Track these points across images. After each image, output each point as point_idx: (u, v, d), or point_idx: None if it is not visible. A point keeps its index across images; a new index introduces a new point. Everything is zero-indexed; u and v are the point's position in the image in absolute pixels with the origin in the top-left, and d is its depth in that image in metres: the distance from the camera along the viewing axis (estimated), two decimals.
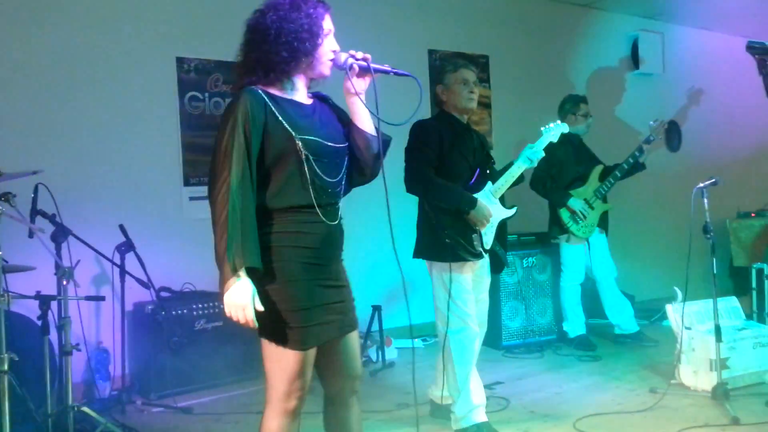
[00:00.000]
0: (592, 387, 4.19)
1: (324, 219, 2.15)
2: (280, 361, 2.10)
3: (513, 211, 3.55)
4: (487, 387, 4.04)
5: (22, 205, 3.32)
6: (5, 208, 2.96)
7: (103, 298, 3.75)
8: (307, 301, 2.11)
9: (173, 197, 4.65)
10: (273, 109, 2.10)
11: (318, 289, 2.15)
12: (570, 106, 5.30)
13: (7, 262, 3.10)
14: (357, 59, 2.22)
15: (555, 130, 3.58)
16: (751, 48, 1.96)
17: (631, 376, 4.38)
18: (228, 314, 2.02)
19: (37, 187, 3.54)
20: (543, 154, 3.51)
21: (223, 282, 1.98)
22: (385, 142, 2.31)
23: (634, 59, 7.27)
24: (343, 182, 2.26)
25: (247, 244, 1.99)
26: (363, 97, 2.23)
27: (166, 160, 4.64)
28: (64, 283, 3.33)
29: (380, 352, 4.85)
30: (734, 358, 3.95)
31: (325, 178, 2.15)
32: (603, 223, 5.20)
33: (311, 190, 2.10)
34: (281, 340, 2.08)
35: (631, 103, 7.14)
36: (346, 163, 2.27)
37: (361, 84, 2.23)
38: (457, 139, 3.45)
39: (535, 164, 3.53)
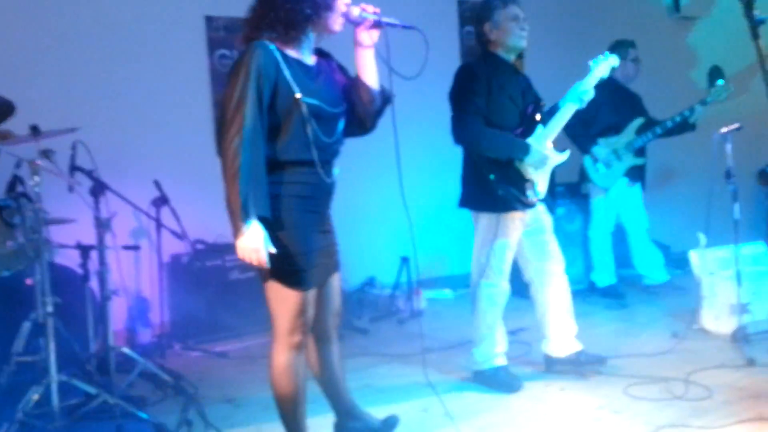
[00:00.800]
0: (615, 333, 4.26)
1: (323, 175, 2.28)
2: (285, 301, 2.26)
3: (566, 154, 3.42)
4: (510, 333, 4.13)
5: (62, 161, 3.52)
6: (46, 164, 3.13)
7: (138, 248, 3.97)
8: (307, 245, 2.27)
9: (205, 152, 4.80)
10: (283, 67, 2.20)
11: (316, 234, 2.32)
12: (619, 50, 5.09)
13: (48, 214, 3.31)
14: (368, 13, 2.29)
15: (603, 64, 3.40)
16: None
17: (655, 323, 4.43)
18: (241, 257, 2.17)
19: (76, 144, 3.73)
20: (592, 93, 3.34)
21: (236, 230, 2.13)
22: (389, 97, 2.41)
23: (675, 2, 7.08)
24: (339, 144, 2.39)
25: (258, 194, 2.13)
26: (371, 51, 2.33)
27: (197, 117, 4.80)
28: (103, 233, 3.55)
29: (409, 302, 4.99)
30: (756, 303, 3.96)
31: (323, 138, 2.26)
32: (635, 175, 5.08)
33: (313, 148, 2.22)
34: (286, 282, 2.25)
35: (672, 48, 6.97)
36: (342, 124, 2.38)
37: (371, 37, 2.30)
38: (505, 81, 3.31)
39: (585, 104, 3.35)
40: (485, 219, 3.33)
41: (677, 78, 6.29)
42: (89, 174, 3.74)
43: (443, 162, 5.79)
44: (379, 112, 2.40)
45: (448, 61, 5.87)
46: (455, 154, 5.76)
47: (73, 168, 3.71)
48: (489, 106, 3.25)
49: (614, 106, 4.97)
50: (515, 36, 3.30)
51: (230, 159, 2.11)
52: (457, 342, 4.20)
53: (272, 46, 2.20)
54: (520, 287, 3.67)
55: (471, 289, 3.48)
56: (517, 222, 3.33)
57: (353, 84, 2.39)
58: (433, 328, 4.64)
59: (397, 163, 2.33)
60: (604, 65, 3.40)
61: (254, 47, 2.18)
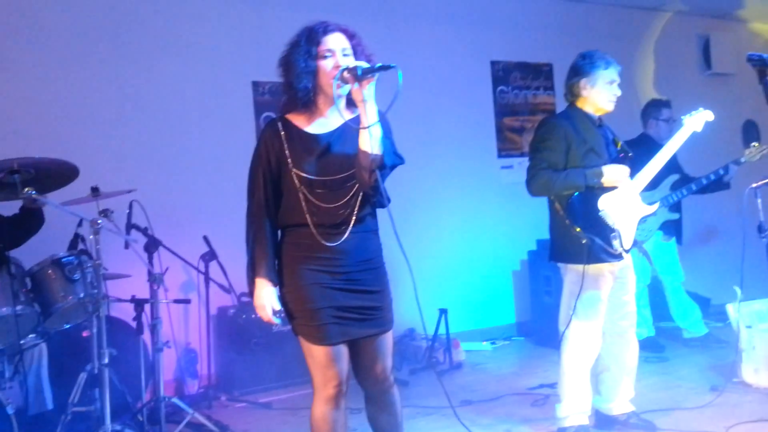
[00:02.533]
0: (654, 385, 4.26)
1: (320, 238, 2.34)
2: (312, 355, 2.39)
3: (654, 207, 3.43)
4: (548, 386, 4.21)
5: (119, 219, 3.75)
6: (104, 222, 3.31)
7: (188, 301, 4.16)
8: (316, 302, 2.36)
9: None
10: (283, 140, 2.39)
11: (329, 291, 2.37)
12: (652, 110, 5.25)
13: (106, 270, 3.51)
14: (349, 69, 2.25)
15: (697, 119, 3.44)
16: (750, 60, 2.10)
17: (695, 376, 4.42)
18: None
19: (132, 204, 3.96)
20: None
21: (249, 291, 2.43)
22: (379, 165, 2.30)
23: (706, 60, 7.21)
24: (353, 205, 2.38)
25: (263, 259, 2.39)
26: (367, 105, 2.27)
27: (244, 177, 4.99)
28: (155, 288, 3.74)
29: (447, 354, 5.06)
30: None
31: (321, 204, 2.36)
32: (670, 229, 5.12)
33: (306, 212, 2.36)
34: (306, 336, 2.39)
35: (704, 105, 7.04)
36: (353, 189, 2.39)
37: (361, 92, 2.25)
38: (589, 135, 3.30)
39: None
40: (573, 271, 3.30)
41: (710, 134, 6.36)
42: (144, 231, 3.97)
43: (481, 215, 5.95)
44: (370, 169, 2.30)
45: (483, 118, 6.11)
46: (492, 208, 5.95)
47: (130, 226, 3.94)
48: (570, 160, 3.26)
49: (639, 158, 5.03)
50: (607, 99, 3.31)
51: (247, 227, 2.45)
52: (495, 395, 4.26)
53: (278, 123, 2.42)
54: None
55: (561, 343, 3.40)
56: (606, 274, 3.29)
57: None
58: (471, 381, 4.70)
59: (392, 228, 2.34)
60: (698, 120, 3.47)
61: (266, 126, 2.47)
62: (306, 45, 2.35)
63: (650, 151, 4.94)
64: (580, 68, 3.34)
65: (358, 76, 2.24)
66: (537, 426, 3.66)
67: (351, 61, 2.33)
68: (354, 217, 2.39)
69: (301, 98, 2.36)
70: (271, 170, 2.40)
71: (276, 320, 2.40)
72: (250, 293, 2.43)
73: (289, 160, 2.38)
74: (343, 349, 2.42)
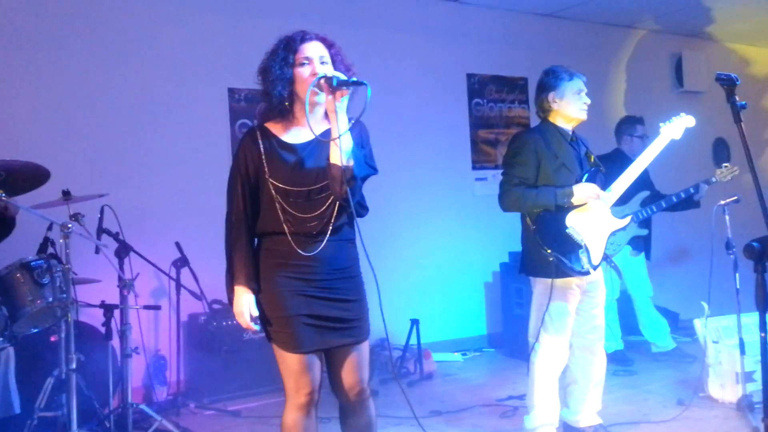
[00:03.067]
0: (622, 399, 4.31)
1: (296, 247, 2.36)
2: (284, 362, 2.40)
3: (625, 220, 3.47)
4: (517, 397, 4.24)
5: (90, 224, 3.72)
6: (75, 227, 3.28)
7: (159, 308, 4.13)
8: (289, 309, 2.37)
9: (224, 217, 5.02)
10: (261, 149, 2.40)
11: (304, 299, 2.37)
12: (626, 126, 5.31)
13: (76, 274, 3.48)
14: (326, 78, 2.26)
15: (676, 125, 3.46)
16: (719, 80, 2.17)
17: (662, 390, 4.48)
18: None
19: (103, 209, 3.93)
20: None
21: (228, 298, 2.44)
22: (345, 171, 2.29)
23: (678, 77, 7.35)
24: (329, 215, 2.39)
25: (242, 267, 2.39)
26: (339, 117, 2.27)
27: (218, 183, 4.96)
28: (126, 293, 3.71)
29: (418, 364, 5.07)
30: (761, 371, 4.00)
31: (297, 214, 2.38)
32: (639, 245, 5.18)
33: (282, 221, 2.38)
34: (279, 343, 2.40)
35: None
36: (329, 199, 2.39)
37: (334, 102, 2.27)
38: (561, 150, 3.35)
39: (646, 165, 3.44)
40: (541, 284, 3.35)
41: (681, 151, 6.47)
42: (115, 236, 3.94)
43: (455, 226, 5.99)
44: (340, 180, 2.30)
45: (458, 130, 6.16)
46: (466, 219, 5.99)
47: (101, 231, 3.90)
48: (541, 175, 3.30)
49: (610, 174, 5.07)
50: (577, 108, 3.36)
51: (226, 234, 2.46)
52: (464, 406, 4.28)
53: (257, 131, 2.43)
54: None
55: (530, 356, 3.44)
56: (573, 287, 3.34)
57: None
58: (441, 392, 4.72)
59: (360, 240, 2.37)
60: (677, 127, 3.48)
61: (244, 135, 2.49)
62: (283, 52, 2.37)
63: (623, 167, 4.98)
64: (546, 83, 3.40)
65: (333, 86, 2.26)
66: None
67: (329, 70, 2.34)
68: (330, 227, 2.40)
69: (277, 105, 2.37)
70: (249, 178, 2.41)
71: (255, 326, 2.40)
72: (229, 300, 2.44)
73: (266, 169, 2.39)
74: (316, 358, 2.42)
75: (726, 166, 4.65)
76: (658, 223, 5.55)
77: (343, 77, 2.28)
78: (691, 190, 4.73)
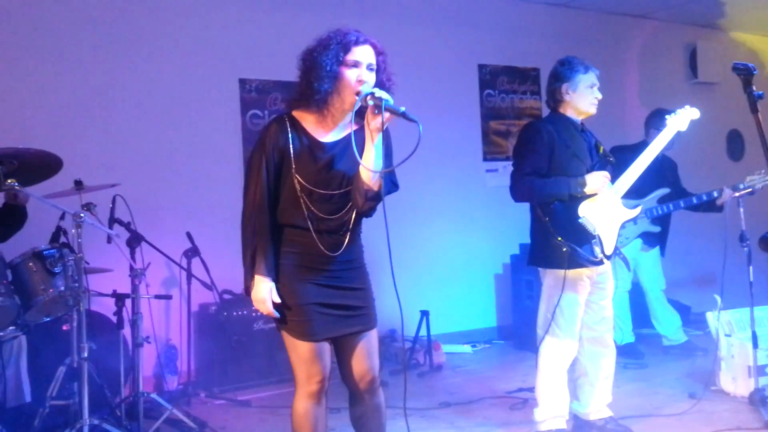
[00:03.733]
0: (633, 392, 4.29)
1: (320, 245, 2.37)
2: (295, 350, 2.41)
3: (637, 210, 3.45)
4: (526, 390, 4.23)
5: (102, 213, 3.73)
6: (87, 216, 3.28)
7: (170, 297, 4.14)
8: (305, 298, 2.39)
9: (236, 207, 5.01)
10: (290, 140, 2.37)
11: (316, 288, 2.40)
12: (654, 120, 5.12)
13: (88, 264, 3.49)
14: (373, 95, 2.26)
15: (681, 117, 3.43)
16: (736, 69, 2.14)
17: (673, 383, 4.45)
18: (256, 308, 2.40)
19: (115, 198, 3.94)
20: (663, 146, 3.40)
21: (247, 285, 2.42)
22: (380, 193, 2.36)
23: (693, 68, 7.28)
24: (350, 219, 2.43)
25: (262, 255, 2.36)
26: (375, 135, 2.30)
27: (229, 173, 5.02)
28: (137, 283, 3.73)
29: (428, 356, 5.07)
30: None
31: (319, 213, 2.38)
32: (651, 240, 5.10)
33: (307, 218, 2.37)
34: (291, 331, 2.41)
35: None
36: (350, 204, 2.41)
37: (376, 122, 2.27)
38: (570, 139, 3.33)
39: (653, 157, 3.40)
40: (552, 276, 3.32)
41: (695, 143, 6.42)
42: (127, 226, 3.95)
43: (465, 218, 5.97)
44: (370, 200, 2.37)
45: (469, 121, 6.13)
46: (477, 211, 5.97)
47: (112, 220, 3.92)
48: (554, 165, 3.28)
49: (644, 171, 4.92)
50: (589, 102, 3.34)
51: (243, 224, 2.41)
52: (474, 398, 4.28)
53: (286, 120, 2.40)
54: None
55: (538, 347, 3.42)
56: (584, 278, 3.32)
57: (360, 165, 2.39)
58: (451, 383, 4.72)
59: (385, 228, 2.34)
60: (682, 118, 3.45)
61: (272, 121, 2.44)
62: (336, 49, 2.34)
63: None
64: (561, 74, 3.37)
65: (381, 108, 2.24)
66: (514, 429, 3.68)
67: (372, 80, 2.34)
68: (351, 228, 2.44)
69: (318, 100, 2.35)
70: (273, 166, 2.37)
71: (276, 314, 2.38)
72: (247, 287, 2.41)
73: (293, 163, 2.36)
74: (327, 346, 2.44)
75: (760, 173, 4.31)
76: (671, 216, 5.51)
77: (390, 100, 2.25)
78: (714, 194, 4.56)
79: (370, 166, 2.30)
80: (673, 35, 7.23)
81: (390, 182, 2.44)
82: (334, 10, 5.22)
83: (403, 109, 2.23)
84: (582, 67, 3.35)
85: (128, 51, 4.76)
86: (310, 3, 5.28)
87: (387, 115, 2.25)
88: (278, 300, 2.37)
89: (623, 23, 6.90)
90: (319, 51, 2.35)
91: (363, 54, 2.37)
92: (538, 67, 6.36)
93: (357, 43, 2.37)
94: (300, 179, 2.36)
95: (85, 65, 4.64)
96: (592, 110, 3.38)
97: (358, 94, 2.30)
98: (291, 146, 2.37)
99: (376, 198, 2.35)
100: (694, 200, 4.63)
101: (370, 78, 2.36)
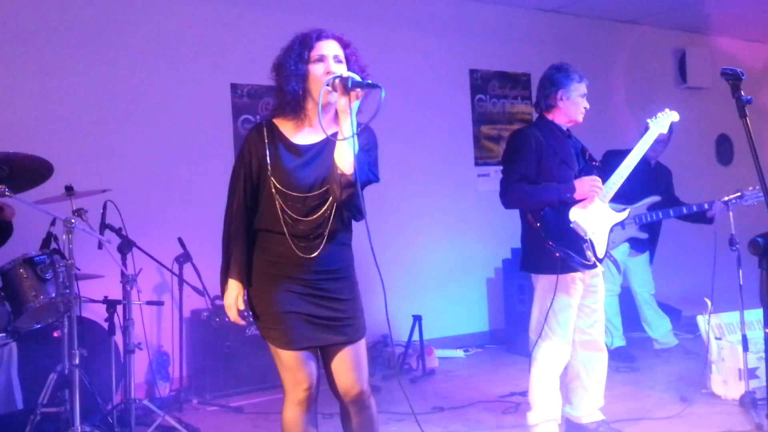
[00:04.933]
0: (624, 395, 4.30)
1: (295, 249, 2.35)
2: (279, 359, 2.40)
3: (624, 214, 3.48)
4: (519, 394, 4.23)
5: (93, 219, 3.72)
6: (78, 222, 3.26)
7: (161, 303, 4.13)
8: (281, 305, 2.35)
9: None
10: (266, 146, 2.38)
11: (295, 296, 2.36)
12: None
13: (79, 270, 3.46)
14: (342, 78, 2.22)
15: (662, 121, 3.48)
16: (724, 74, 2.16)
17: (664, 386, 4.47)
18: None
19: (106, 204, 3.93)
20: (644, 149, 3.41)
21: (222, 290, 2.44)
22: (353, 182, 2.26)
23: (682, 74, 7.33)
24: (328, 220, 2.37)
25: (237, 261, 2.40)
26: (347, 118, 2.22)
27: (221, 179, 4.96)
28: (128, 289, 3.71)
29: (420, 361, 5.07)
30: (764, 367, 4.01)
31: (294, 216, 2.36)
32: (639, 246, 5.08)
33: (282, 221, 2.36)
34: (272, 340, 2.40)
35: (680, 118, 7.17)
36: (326, 205, 2.37)
37: (346, 105, 2.22)
38: (560, 146, 3.36)
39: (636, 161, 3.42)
40: (545, 280, 3.33)
41: (684, 148, 6.47)
42: (118, 232, 3.94)
43: (457, 222, 5.99)
44: (347, 188, 2.28)
45: (460, 126, 6.15)
46: (468, 215, 5.98)
47: (104, 226, 3.90)
48: (542, 171, 3.31)
49: (630, 177, 4.87)
50: (578, 111, 3.39)
51: (223, 230, 2.45)
52: (467, 402, 4.28)
53: (263, 127, 2.41)
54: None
55: (531, 351, 3.42)
56: (577, 282, 3.34)
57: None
58: (444, 388, 4.72)
59: (366, 230, 2.32)
60: (663, 121, 3.49)
61: (251, 129, 2.47)
62: (299, 48, 2.35)
63: (642, 165, 4.90)
64: (556, 80, 3.39)
65: (347, 87, 2.21)
66: None
67: (343, 71, 2.30)
68: (327, 232, 2.38)
69: (290, 102, 2.35)
70: (252, 173, 2.40)
71: (242, 321, 2.43)
72: (222, 293, 2.44)
73: (269, 168, 2.37)
74: (312, 354, 2.41)
75: (753, 189, 4.25)
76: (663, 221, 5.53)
77: (357, 78, 2.23)
78: (705, 206, 4.54)
79: (343, 146, 2.24)
80: (662, 41, 7.28)
81: (369, 172, 2.38)
82: (326, 16, 5.24)
83: (369, 81, 2.24)
84: (577, 75, 3.39)
85: (119, 56, 4.76)
86: (302, 8, 5.29)
87: (358, 92, 2.22)
88: (242, 306, 2.40)
89: (613, 29, 6.94)
90: (283, 55, 2.38)
91: (328, 48, 2.37)
92: (529, 72, 6.40)
93: (319, 38, 2.38)
94: (274, 181, 2.37)
95: (75, 70, 4.63)
96: (580, 119, 3.42)
97: (327, 90, 2.25)
98: (267, 151, 2.38)
99: (351, 185, 2.27)
100: (684, 210, 4.62)
101: (340, 69, 2.32)
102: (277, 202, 2.37)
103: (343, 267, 2.46)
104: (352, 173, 2.25)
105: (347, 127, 2.23)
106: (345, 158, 2.25)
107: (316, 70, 2.34)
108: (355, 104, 2.24)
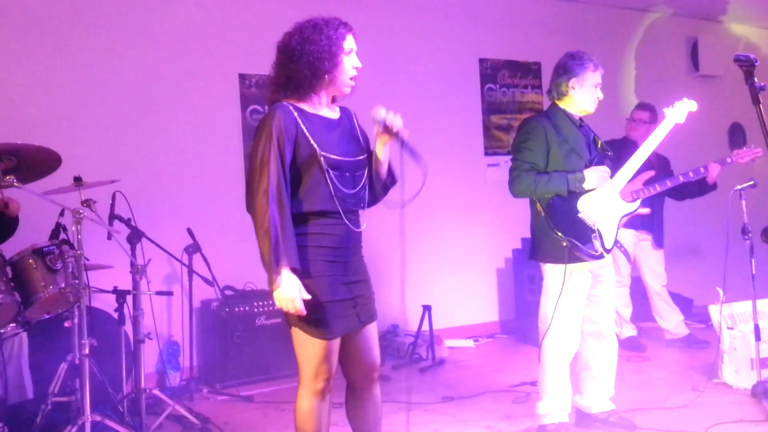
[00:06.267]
0: (635, 385, 4.28)
1: (349, 225, 2.39)
2: (308, 348, 2.37)
3: (635, 204, 3.42)
4: (529, 383, 4.22)
5: (102, 210, 3.72)
6: (87, 212, 3.27)
7: (171, 293, 4.14)
8: (330, 294, 2.36)
9: (236, 203, 5.00)
10: (301, 123, 2.34)
11: (339, 285, 2.39)
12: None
13: (88, 260, 3.48)
14: (393, 126, 2.42)
15: (679, 110, 3.39)
16: (738, 61, 2.12)
17: (676, 376, 4.45)
18: (279, 307, 2.31)
19: (115, 195, 3.92)
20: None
21: (271, 281, 2.27)
22: (394, 181, 2.61)
23: (694, 61, 7.25)
24: (364, 193, 2.48)
25: (287, 247, 2.25)
26: (386, 150, 2.51)
27: (230, 169, 5.01)
28: (138, 279, 3.72)
29: (430, 350, 5.07)
30: None
31: (343, 189, 2.37)
32: (639, 224, 4.95)
33: (335, 199, 2.35)
34: (309, 329, 2.35)
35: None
36: (365, 175, 2.48)
37: (386, 138, 2.47)
38: (570, 135, 3.33)
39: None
40: (553, 270, 3.32)
41: (697, 136, 6.39)
42: (127, 222, 3.94)
43: (467, 212, 5.96)
44: (383, 189, 2.55)
45: (470, 116, 6.12)
46: (478, 205, 5.96)
47: (112, 217, 3.90)
48: (552, 160, 3.29)
49: (619, 159, 4.83)
50: (591, 101, 3.34)
51: (260, 216, 2.25)
52: (476, 391, 4.27)
53: (289, 106, 2.36)
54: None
55: (540, 341, 3.40)
56: (585, 273, 3.32)
57: (370, 153, 2.53)
58: (454, 378, 4.71)
59: (400, 221, 2.39)
60: (681, 110, 3.40)
61: (274, 109, 2.35)
62: (333, 33, 2.36)
63: (623, 148, 4.81)
64: (570, 68, 3.35)
65: (401, 143, 2.43)
66: (517, 423, 3.67)
67: (404, 132, 2.44)
68: (363, 207, 2.48)
69: (304, 84, 2.34)
70: (284, 153, 2.29)
71: (304, 311, 2.28)
72: (271, 282, 2.25)
73: (313, 143, 2.33)
74: (338, 344, 2.43)
75: (748, 147, 4.38)
76: (673, 209, 5.50)
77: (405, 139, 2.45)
78: (701, 170, 4.55)
79: (384, 165, 2.52)
80: (675, 28, 7.20)
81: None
82: (335, 4, 5.18)
83: (414, 154, 2.42)
84: (592, 64, 3.33)
85: (128, 46, 4.75)
86: None
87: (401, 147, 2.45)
88: (308, 296, 2.27)
89: (624, 16, 6.87)
90: (314, 34, 2.35)
91: (353, 42, 2.44)
92: (539, 61, 6.35)
93: (348, 30, 2.43)
94: (326, 155, 2.33)
95: (83, 60, 4.63)
96: (592, 109, 3.38)
97: (350, 84, 2.44)
98: (304, 128, 2.34)
99: (392, 184, 2.55)
100: (681, 178, 4.52)
101: (403, 132, 2.46)
102: (328, 178, 2.33)
103: (361, 248, 2.54)
104: (387, 175, 2.56)
105: (385, 153, 2.51)
106: (384, 169, 2.54)
107: (347, 62, 2.40)
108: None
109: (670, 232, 5.37)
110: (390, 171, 2.54)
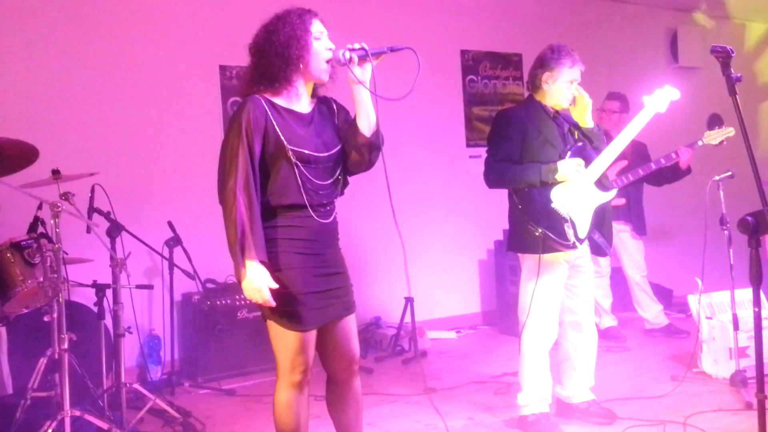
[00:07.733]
0: (615, 375, 4.32)
1: (316, 218, 2.38)
2: (283, 341, 2.37)
3: (611, 194, 3.42)
4: (510, 374, 4.24)
5: (81, 203, 3.68)
6: (65, 206, 3.23)
7: (151, 287, 4.10)
8: (303, 286, 2.35)
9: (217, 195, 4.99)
10: (271, 117, 2.34)
11: (313, 277, 2.38)
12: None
13: (67, 254, 3.43)
14: (355, 49, 2.38)
15: (660, 98, 3.33)
16: (714, 52, 2.14)
17: (656, 366, 4.50)
18: (248, 298, 2.30)
19: (94, 188, 3.88)
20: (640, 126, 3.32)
21: (238, 272, 2.27)
22: (380, 138, 2.48)
23: (674, 53, 7.30)
24: (338, 185, 2.48)
25: (255, 238, 2.25)
26: (366, 85, 2.41)
27: (210, 161, 4.91)
28: (117, 273, 3.68)
29: (412, 342, 5.08)
30: (754, 346, 4.02)
31: (315, 181, 2.37)
32: (618, 213, 4.96)
33: (303, 192, 2.34)
34: (283, 322, 2.35)
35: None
36: (339, 168, 2.47)
37: (362, 74, 2.40)
38: (544, 126, 3.34)
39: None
40: (529, 261, 3.34)
41: (676, 128, 6.44)
42: (106, 215, 3.90)
43: (449, 204, 5.97)
44: (374, 150, 2.46)
45: (452, 107, 6.11)
46: (460, 197, 5.97)
47: (92, 210, 3.86)
48: (526, 151, 3.30)
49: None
50: (564, 98, 3.35)
51: (229, 207, 2.27)
52: (458, 383, 4.29)
53: (261, 100, 2.36)
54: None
55: (520, 332, 3.42)
56: (561, 263, 3.34)
57: (350, 124, 2.49)
58: (436, 369, 4.73)
59: (391, 207, 2.40)
60: (661, 98, 3.34)
61: (245, 101, 2.35)
62: (298, 21, 2.36)
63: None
64: (547, 61, 3.36)
65: (368, 56, 2.35)
66: (499, 414, 3.70)
67: (359, 44, 2.39)
68: (336, 196, 2.47)
69: (288, 72, 2.34)
70: (252, 147, 2.29)
71: (273, 302, 2.27)
72: (238, 274, 2.27)
73: (282, 137, 2.32)
74: (314, 335, 2.43)
75: (716, 129, 4.29)
76: (652, 199, 5.54)
77: (379, 49, 2.41)
78: (673, 156, 4.54)
79: (368, 118, 2.43)
80: (654, 20, 7.23)
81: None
82: None
83: (387, 47, 2.39)
84: (569, 60, 3.32)
85: (106, 37, 4.69)
86: None
87: (374, 61, 2.39)
88: (275, 286, 2.26)
89: (604, 8, 6.89)
90: (281, 27, 2.35)
91: (321, 25, 2.43)
92: (520, 52, 6.36)
93: (313, 15, 2.43)
94: (294, 148, 2.32)
95: (61, 51, 4.56)
96: (566, 105, 3.38)
97: (329, 61, 2.39)
98: (273, 121, 2.33)
99: (379, 146, 2.45)
100: (653, 165, 4.53)
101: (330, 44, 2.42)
102: (296, 172, 2.33)
103: (337, 238, 2.53)
104: (376, 136, 2.44)
105: (366, 93, 2.41)
106: (371, 119, 2.43)
107: (318, 46, 2.38)
108: (368, 73, 2.41)
109: (649, 223, 5.41)
110: (377, 132, 2.45)
